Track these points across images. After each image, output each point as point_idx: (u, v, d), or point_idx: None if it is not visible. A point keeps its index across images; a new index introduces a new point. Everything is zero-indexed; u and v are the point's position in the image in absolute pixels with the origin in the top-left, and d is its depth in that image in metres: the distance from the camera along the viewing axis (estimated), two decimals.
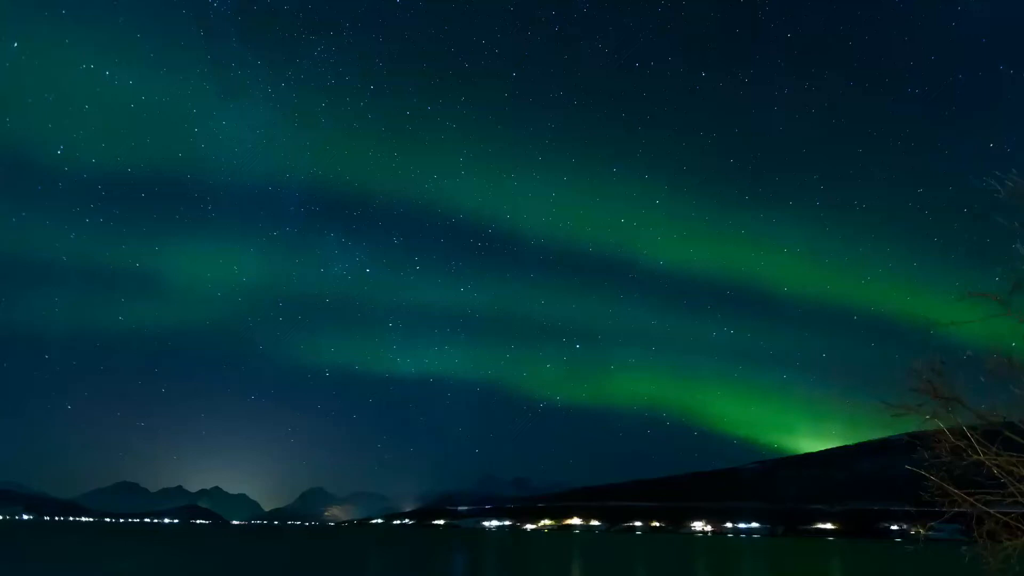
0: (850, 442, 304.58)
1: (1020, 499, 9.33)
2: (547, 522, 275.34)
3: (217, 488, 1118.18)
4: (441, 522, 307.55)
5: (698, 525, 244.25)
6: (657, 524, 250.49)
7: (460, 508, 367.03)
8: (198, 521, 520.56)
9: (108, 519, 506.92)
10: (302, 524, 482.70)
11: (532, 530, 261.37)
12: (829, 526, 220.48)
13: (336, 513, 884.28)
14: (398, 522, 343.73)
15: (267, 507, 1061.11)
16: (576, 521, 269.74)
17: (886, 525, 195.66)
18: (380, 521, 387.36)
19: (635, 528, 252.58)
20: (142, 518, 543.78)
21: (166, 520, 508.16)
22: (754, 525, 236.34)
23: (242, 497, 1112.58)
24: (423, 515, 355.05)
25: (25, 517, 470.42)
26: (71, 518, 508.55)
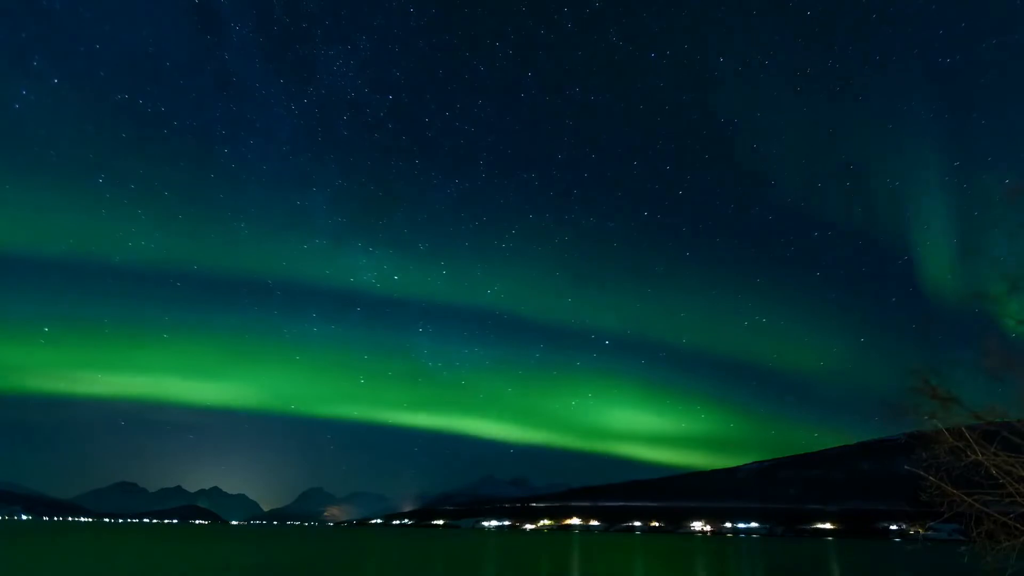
0: (850, 442, 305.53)
1: (1018, 499, 9.34)
2: (546, 522, 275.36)
3: (216, 488, 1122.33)
4: (440, 522, 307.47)
5: (697, 525, 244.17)
6: (656, 524, 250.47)
7: (459, 508, 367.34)
8: (197, 521, 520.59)
9: (107, 519, 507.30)
10: (301, 524, 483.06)
11: (531, 530, 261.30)
12: (828, 526, 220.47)
13: (335, 513, 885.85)
14: (397, 522, 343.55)
15: (266, 507, 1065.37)
16: (575, 521, 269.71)
17: (885, 525, 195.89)
18: (379, 521, 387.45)
19: (634, 528, 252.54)
20: (141, 518, 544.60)
21: (165, 520, 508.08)
22: (753, 525, 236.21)
23: (241, 497, 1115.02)
24: (422, 515, 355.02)
25: (24, 517, 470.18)
26: (70, 518, 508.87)
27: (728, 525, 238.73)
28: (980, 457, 9.41)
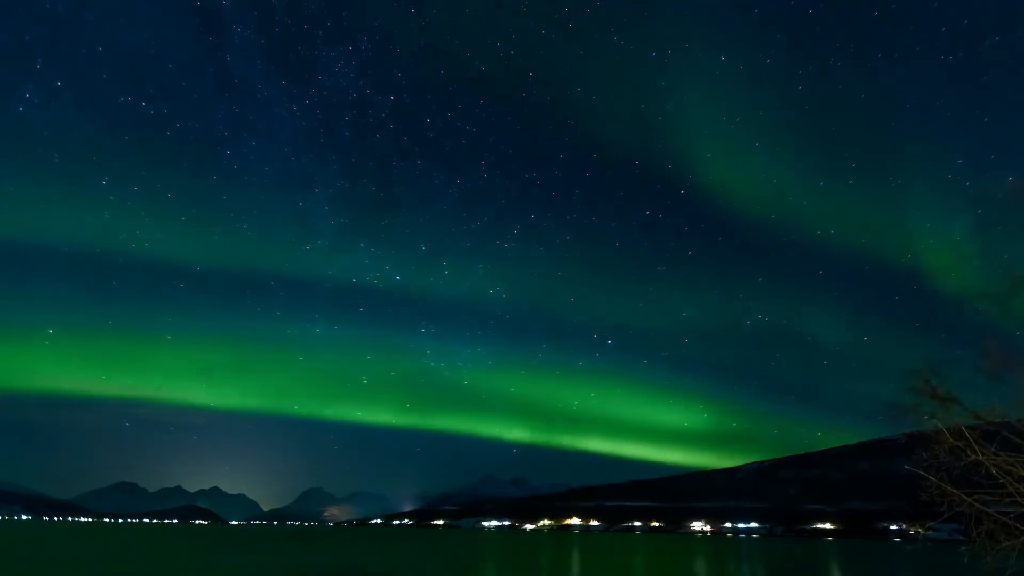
0: (850, 442, 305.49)
1: (1018, 499, 9.33)
2: (546, 522, 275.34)
3: (216, 488, 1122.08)
4: (440, 522, 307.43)
5: (697, 525, 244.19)
6: (656, 524, 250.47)
7: (459, 508, 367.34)
8: (197, 521, 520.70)
9: (107, 519, 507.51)
10: (301, 524, 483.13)
11: (531, 530, 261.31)
12: (828, 526, 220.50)
13: (335, 513, 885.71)
14: (397, 522, 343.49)
15: (266, 507, 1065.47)
16: (575, 521, 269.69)
17: (885, 525, 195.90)
18: (379, 521, 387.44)
19: (634, 528, 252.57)
20: (141, 518, 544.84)
21: (165, 520, 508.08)
22: (753, 525, 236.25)
23: (241, 497, 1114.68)
24: (422, 515, 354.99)
25: (24, 517, 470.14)
26: (70, 518, 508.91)
27: (728, 525, 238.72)
28: (980, 457, 9.41)
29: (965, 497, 9.68)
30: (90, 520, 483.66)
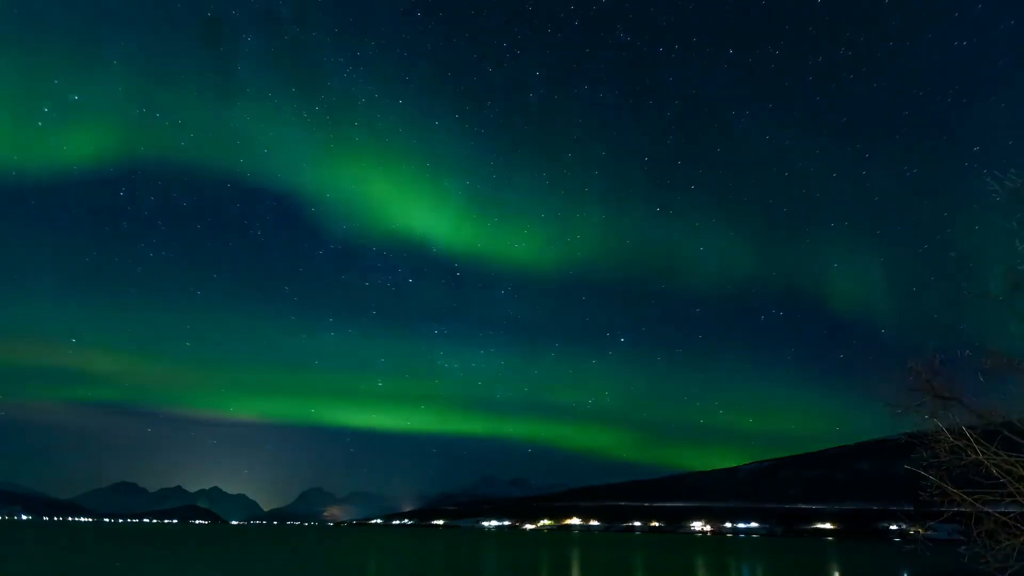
0: (850, 442, 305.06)
1: (1019, 499, 9.32)
2: (546, 522, 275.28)
3: (216, 488, 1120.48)
4: (440, 522, 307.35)
5: (697, 525, 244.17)
6: (656, 524, 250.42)
7: (459, 508, 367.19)
8: (197, 521, 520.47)
9: (107, 519, 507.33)
10: (301, 524, 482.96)
11: (531, 530, 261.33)
12: (828, 526, 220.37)
13: (335, 513, 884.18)
14: (397, 522, 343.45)
15: (266, 507, 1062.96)
16: (575, 521, 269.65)
17: (885, 525, 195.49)
18: (379, 521, 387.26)
19: (634, 528, 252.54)
20: (141, 518, 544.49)
21: (165, 520, 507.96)
22: (753, 525, 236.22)
23: (241, 497, 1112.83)
24: (422, 515, 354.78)
25: (24, 517, 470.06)
26: (70, 518, 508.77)
27: (728, 525, 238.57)
28: (980, 457, 9.39)
29: (965, 497, 9.66)
30: (90, 520, 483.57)
